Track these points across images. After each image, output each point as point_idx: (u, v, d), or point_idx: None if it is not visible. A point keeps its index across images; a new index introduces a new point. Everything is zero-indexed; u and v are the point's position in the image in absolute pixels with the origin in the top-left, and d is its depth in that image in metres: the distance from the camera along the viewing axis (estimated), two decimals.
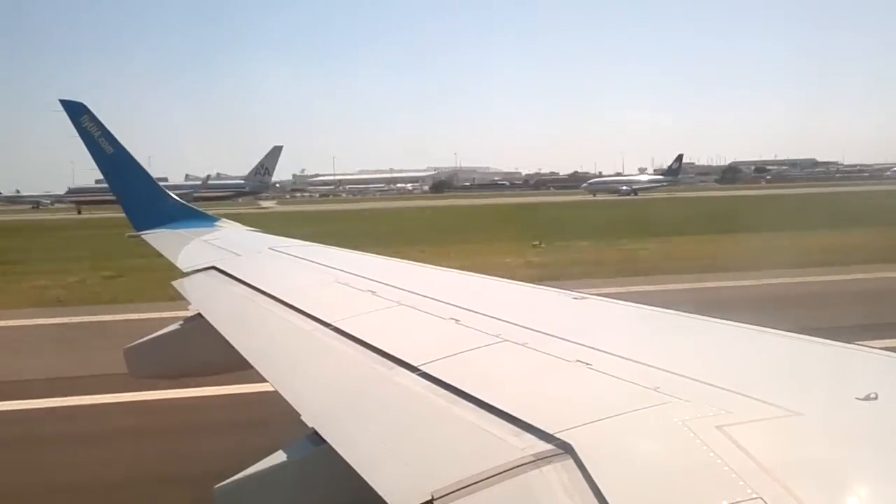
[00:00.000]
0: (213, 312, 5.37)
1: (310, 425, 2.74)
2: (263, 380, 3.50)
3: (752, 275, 21.61)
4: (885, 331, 12.39)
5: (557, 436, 2.04)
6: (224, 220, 11.87)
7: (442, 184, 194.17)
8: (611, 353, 2.73)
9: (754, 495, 1.61)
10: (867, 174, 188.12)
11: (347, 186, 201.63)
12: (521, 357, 2.93)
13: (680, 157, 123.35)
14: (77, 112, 11.03)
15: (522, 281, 5.18)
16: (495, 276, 5.44)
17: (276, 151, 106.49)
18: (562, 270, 23.41)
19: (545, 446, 2.02)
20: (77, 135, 11.00)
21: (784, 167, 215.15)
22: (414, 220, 58.63)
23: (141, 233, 10.80)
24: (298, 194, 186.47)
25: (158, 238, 10.23)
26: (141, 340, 6.32)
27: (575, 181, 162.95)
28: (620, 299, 4.15)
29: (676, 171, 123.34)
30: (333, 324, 3.87)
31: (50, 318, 17.53)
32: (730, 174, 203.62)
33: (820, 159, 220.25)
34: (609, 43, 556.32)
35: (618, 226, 42.61)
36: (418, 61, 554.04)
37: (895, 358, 2.55)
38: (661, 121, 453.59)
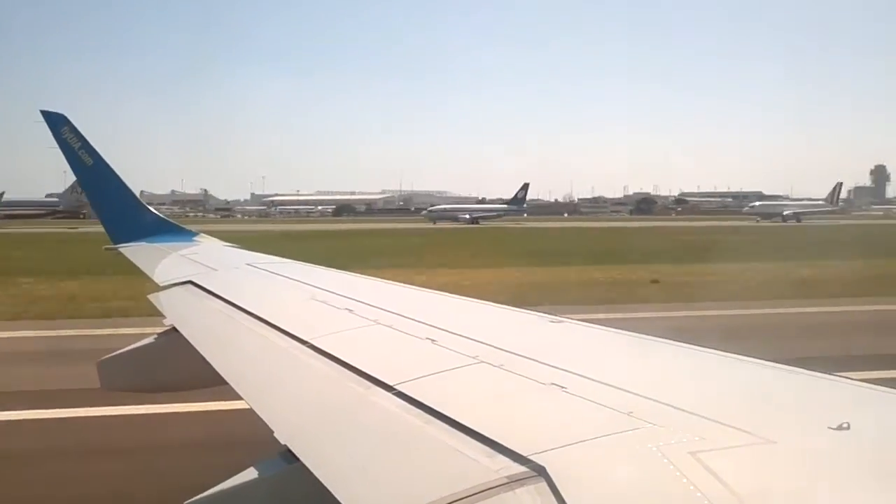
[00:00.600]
0: (189, 327, 5.32)
1: (282, 442, 2.71)
2: (237, 396, 3.47)
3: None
4: None
5: (531, 458, 2.04)
6: (202, 234, 11.80)
7: (342, 208, 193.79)
8: (586, 377, 2.73)
9: None
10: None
11: (279, 208, 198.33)
12: (496, 379, 2.92)
13: (525, 185, 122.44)
14: (57, 123, 10.94)
15: None
16: None
17: None
18: None
19: (519, 468, 2.01)
20: (57, 145, 10.93)
21: (729, 199, 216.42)
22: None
23: (118, 246, 10.70)
24: (218, 214, 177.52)
25: (136, 251, 10.14)
26: (114, 354, 6.26)
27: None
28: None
29: (521, 201, 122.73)
30: (309, 341, 3.85)
31: None
32: (644, 205, 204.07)
33: (767, 192, 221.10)
34: (548, 71, 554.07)
35: (386, 253, 41.62)
36: (395, 80, 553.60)
37: (867, 388, 2.58)
38: (610, 153, 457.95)
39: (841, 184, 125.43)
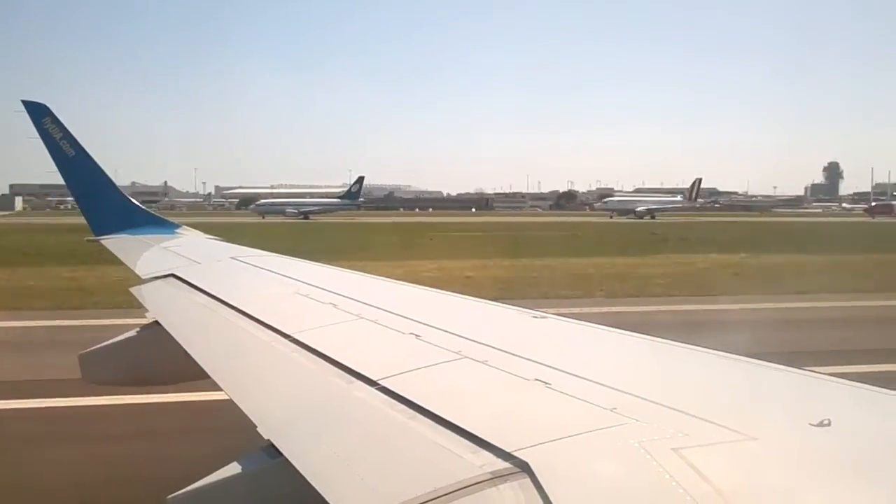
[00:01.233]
0: (171, 320, 5.29)
1: (266, 437, 2.70)
2: (220, 390, 3.45)
3: None
4: None
5: (515, 454, 2.04)
6: (185, 227, 11.72)
7: (244, 202, 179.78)
8: (570, 373, 2.74)
9: None
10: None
11: (213, 201, 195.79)
12: (480, 374, 2.92)
13: (361, 178, 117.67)
14: (39, 113, 10.85)
15: None
16: None
17: None
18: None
19: (503, 464, 2.02)
20: (38, 136, 10.82)
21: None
22: None
23: (100, 237, 10.62)
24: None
25: (117, 243, 10.06)
26: (96, 346, 6.21)
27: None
28: None
29: (356, 195, 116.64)
30: (293, 335, 3.83)
31: None
32: (564, 200, 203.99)
33: (722, 189, 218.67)
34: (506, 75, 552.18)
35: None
36: (385, 75, 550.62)
37: (848, 385, 2.60)
38: (559, 150, 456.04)
39: (700, 180, 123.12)
